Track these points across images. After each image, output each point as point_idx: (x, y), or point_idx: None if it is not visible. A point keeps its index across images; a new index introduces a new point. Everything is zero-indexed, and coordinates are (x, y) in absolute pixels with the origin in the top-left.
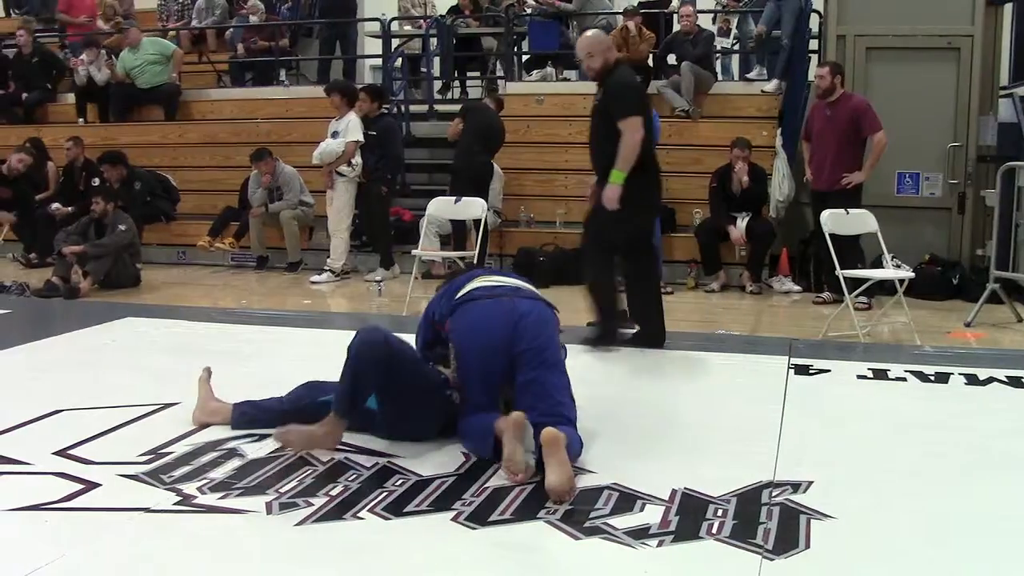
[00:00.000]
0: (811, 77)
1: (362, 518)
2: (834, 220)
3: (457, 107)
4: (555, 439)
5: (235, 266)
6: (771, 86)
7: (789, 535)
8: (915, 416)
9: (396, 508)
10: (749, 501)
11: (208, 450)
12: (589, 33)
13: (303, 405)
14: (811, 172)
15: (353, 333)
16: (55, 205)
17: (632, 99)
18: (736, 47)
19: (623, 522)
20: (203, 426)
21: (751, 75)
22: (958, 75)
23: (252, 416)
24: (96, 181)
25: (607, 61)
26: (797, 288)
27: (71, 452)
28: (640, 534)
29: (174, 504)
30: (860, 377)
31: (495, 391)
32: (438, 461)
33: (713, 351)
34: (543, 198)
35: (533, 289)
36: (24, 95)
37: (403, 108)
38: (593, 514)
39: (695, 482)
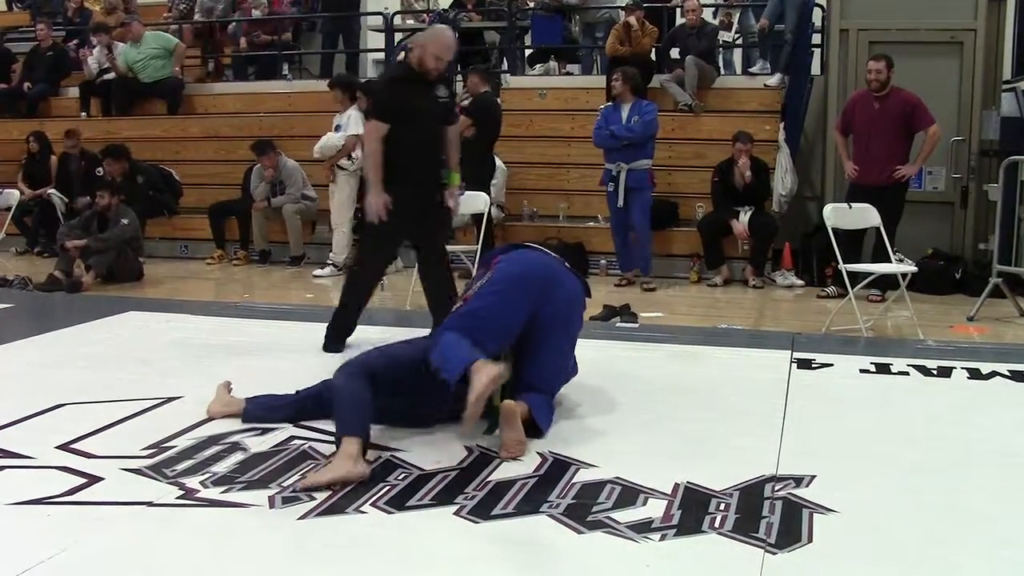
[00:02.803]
0: (814, 71)
1: (364, 512)
2: (837, 214)
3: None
4: (511, 411)
5: (237, 260)
6: (774, 80)
7: (791, 529)
8: (918, 410)
9: (398, 502)
10: (751, 495)
11: (211, 444)
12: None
13: (322, 399)
14: (854, 167)
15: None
16: (50, 190)
17: (375, 101)
18: (738, 41)
19: (626, 516)
20: (217, 416)
21: (754, 69)
22: (961, 69)
23: (265, 404)
24: (100, 171)
25: None
26: (800, 282)
27: (74, 446)
28: (643, 528)
29: (177, 498)
30: (863, 371)
31: (501, 333)
32: (441, 455)
33: (716, 345)
34: (546, 192)
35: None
36: (27, 86)
37: None
38: (596, 508)
39: (697, 476)
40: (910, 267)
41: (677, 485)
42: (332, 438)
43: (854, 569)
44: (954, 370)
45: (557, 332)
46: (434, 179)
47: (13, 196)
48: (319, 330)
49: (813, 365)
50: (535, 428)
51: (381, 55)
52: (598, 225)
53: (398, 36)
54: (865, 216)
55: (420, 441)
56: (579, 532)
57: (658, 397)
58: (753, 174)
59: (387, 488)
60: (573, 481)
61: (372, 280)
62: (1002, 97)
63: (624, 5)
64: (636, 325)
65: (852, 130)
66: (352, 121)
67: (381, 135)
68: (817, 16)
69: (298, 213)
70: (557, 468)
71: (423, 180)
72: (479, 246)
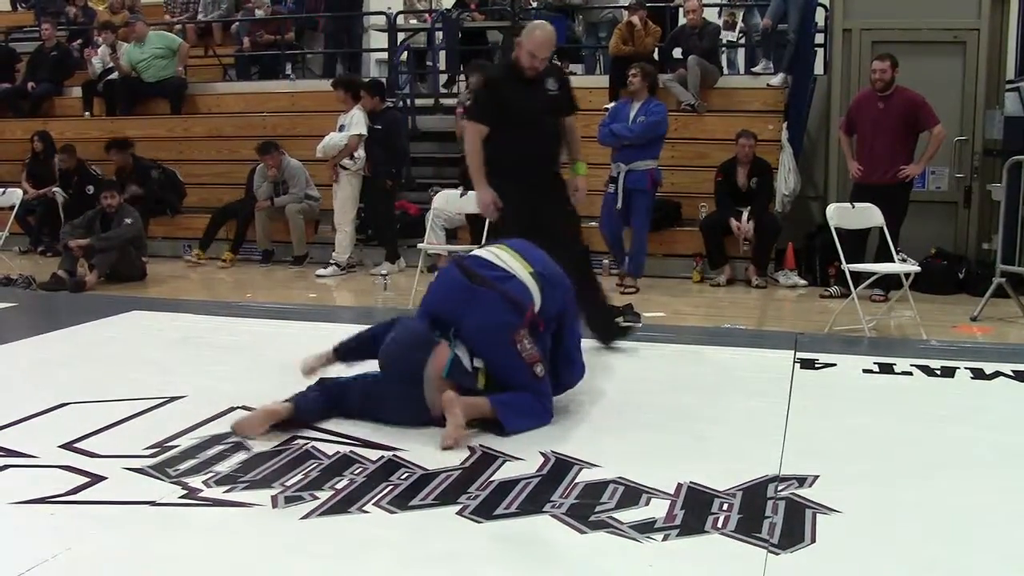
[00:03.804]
0: (817, 71)
1: (367, 512)
2: (840, 214)
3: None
4: (448, 400)
5: (241, 260)
6: (777, 80)
7: (795, 529)
8: (921, 410)
9: (401, 502)
10: (754, 495)
11: (214, 443)
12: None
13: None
14: (859, 166)
15: (359, 327)
16: (55, 188)
17: (473, 102)
18: (742, 41)
19: (628, 516)
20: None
21: (757, 69)
22: (964, 69)
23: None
24: (91, 189)
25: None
26: (803, 282)
27: (77, 445)
28: (645, 528)
29: (180, 498)
30: (866, 371)
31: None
32: (443, 454)
33: (718, 345)
34: None
35: (525, 283)
36: (31, 85)
37: (409, 102)
38: (598, 508)
39: (700, 476)
40: (913, 267)
41: (680, 485)
42: (335, 438)
43: (857, 569)
44: (957, 370)
45: (482, 351)
46: (544, 176)
47: (16, 195)
48: (322, 329)
49: (816, 365)
50: (500, 424)
51: (384, 55)
52: None
53: (400, 36)
54: (868, 216)
55: (422, 441)
56: (582, 532)
57: (660, 397)
58: (756, 175)
59: (390, 488)
60: (576, 481)
61: None
62: (1005, 97)
63: (627, 5)
64: (639, 325)
65: (856, 130)
66: (355, 121)
67: (481, 137)
68: (820, 16)
69: (301, 213)
70: (560, 468)
71: (529, 178)
72: (482, 245)
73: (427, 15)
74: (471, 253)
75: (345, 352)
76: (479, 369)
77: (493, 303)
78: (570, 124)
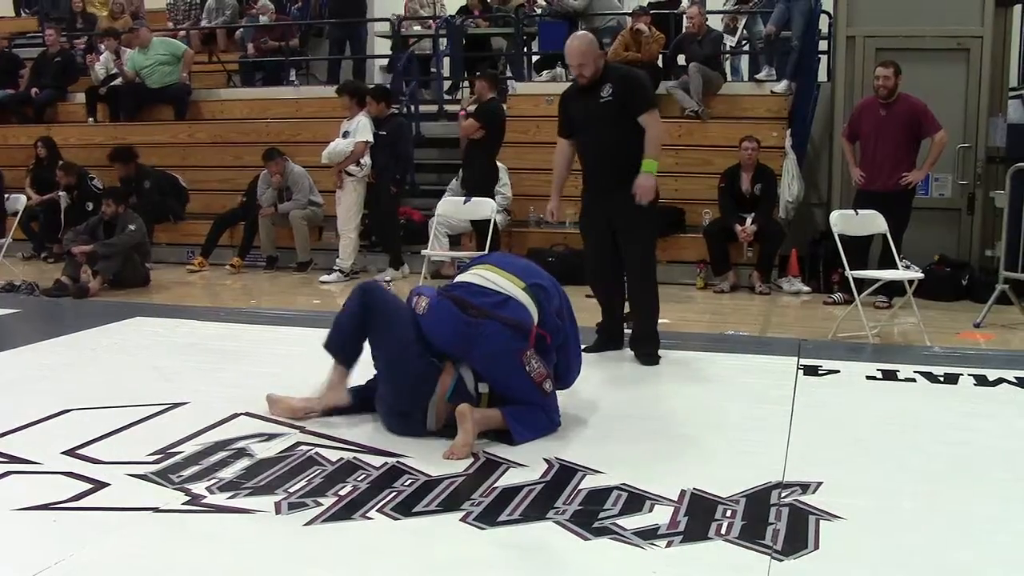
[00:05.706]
0: (821, 78)
1: (371, 518)
2: (843, 221)
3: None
4: (462, 413)
5: (245, 266)
6: (781, 87)
7: (798, 536)
8: (924, 417)
9: (405, 508)
10: (758, 502)
11: (217, 450)
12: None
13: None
14: (861, 173)
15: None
16: (61, 192)
17: None
18: (746, 46)
19: (632, 523)
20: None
21: (760, 76)
22: (967, 76)
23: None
24: (90, 206)
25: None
26: (806, 289)
27: (80, 452)
28: (649, 535)
29: (183, 504)
30: (869, 378)
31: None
32: (447, 461)
33: (722, 351)
34: None
35: (521, 302)
36: (34, 91)
37: (413, 108)
38: (602, 515)
39: (704, 483)
40: (917, 273)
41: (683, 492)
42: (339, 444)
43: None
44: (961, 377)
45: (491, 376)
46: (609, 180)
47: (20, 201)
48: (326, 335)
49: (819, 372)
50: (509, 434)
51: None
52: None
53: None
54: (872, 222)
55: (426, 447)
56: (585, 538)
57: (664, 403)
58: (759, 181)
59: (394, 494)
60: (579, 487)
61: (592, 276)
62: (1009, 104)
63: (631, 11)
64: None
65: (859, 136)
66: (361, 127)
67: (560, 148)
68: (824, 23)
69: (305, 219)
70: (563, 474)
71: (593, 183)
72: (486, 252)
73: (431, 21)
74: (460, 281)
75: (340, 351)
76: (483, 394)
77: (495, 332)
78: (643, 122)
